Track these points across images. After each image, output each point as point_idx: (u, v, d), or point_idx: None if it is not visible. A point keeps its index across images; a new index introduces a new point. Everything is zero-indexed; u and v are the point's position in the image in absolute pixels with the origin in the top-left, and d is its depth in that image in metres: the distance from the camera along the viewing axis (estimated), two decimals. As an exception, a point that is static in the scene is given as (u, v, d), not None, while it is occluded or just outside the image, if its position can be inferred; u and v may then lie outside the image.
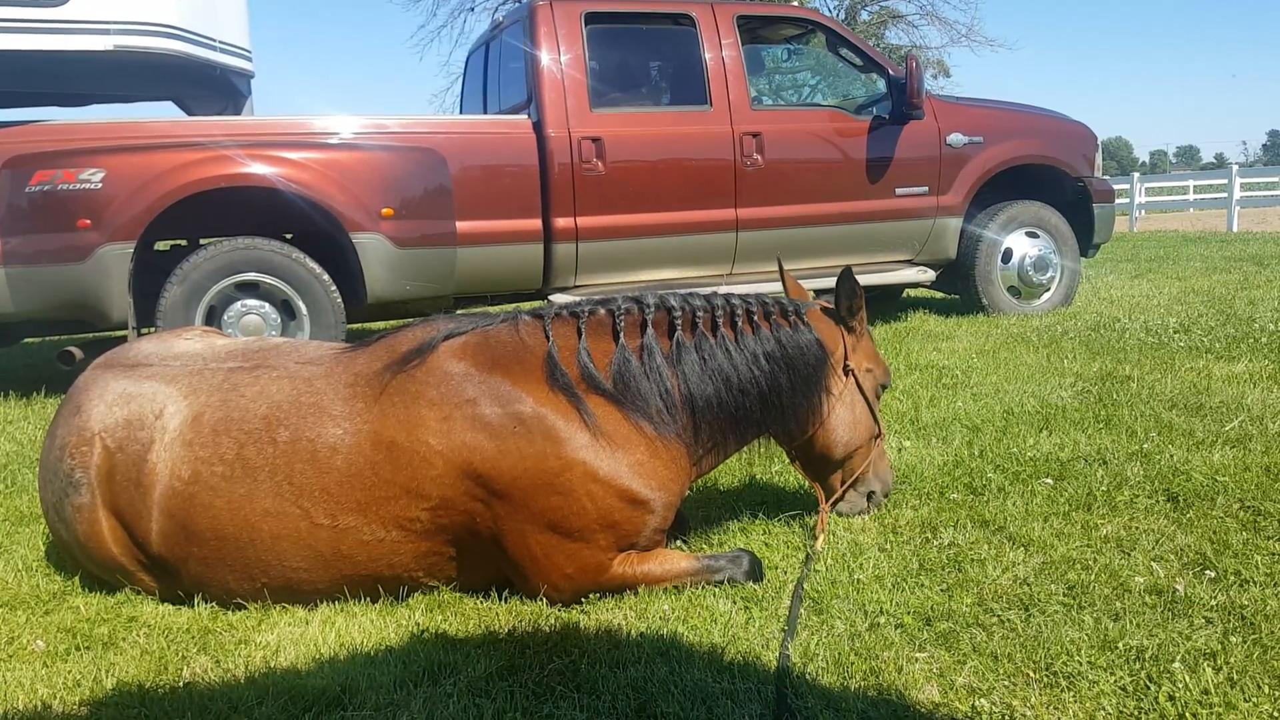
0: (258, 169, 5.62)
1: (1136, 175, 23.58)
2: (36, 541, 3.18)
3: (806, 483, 3.43)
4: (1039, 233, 7.60)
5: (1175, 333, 6.15)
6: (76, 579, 2.78)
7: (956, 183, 7.27)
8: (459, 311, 3.28)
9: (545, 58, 6.30)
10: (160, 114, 8.71)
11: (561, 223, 6.25)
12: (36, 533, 3.26)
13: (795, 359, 2.73)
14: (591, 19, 6.48)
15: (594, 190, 6.28)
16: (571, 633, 2.32)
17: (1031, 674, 2.05)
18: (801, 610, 2.40)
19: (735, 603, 2.47)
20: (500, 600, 2.56)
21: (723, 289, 2.90)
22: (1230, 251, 12.56)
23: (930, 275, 7.39)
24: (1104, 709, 1.91)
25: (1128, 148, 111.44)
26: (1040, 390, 4.70)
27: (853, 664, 2.12)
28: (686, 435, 2.60)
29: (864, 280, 6.81)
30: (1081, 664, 2.07)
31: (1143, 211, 23.21)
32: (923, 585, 2.52)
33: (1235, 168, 19.23)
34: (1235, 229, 17.88)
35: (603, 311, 2.69)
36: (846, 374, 2.92)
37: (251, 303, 5.71)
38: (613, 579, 2.52)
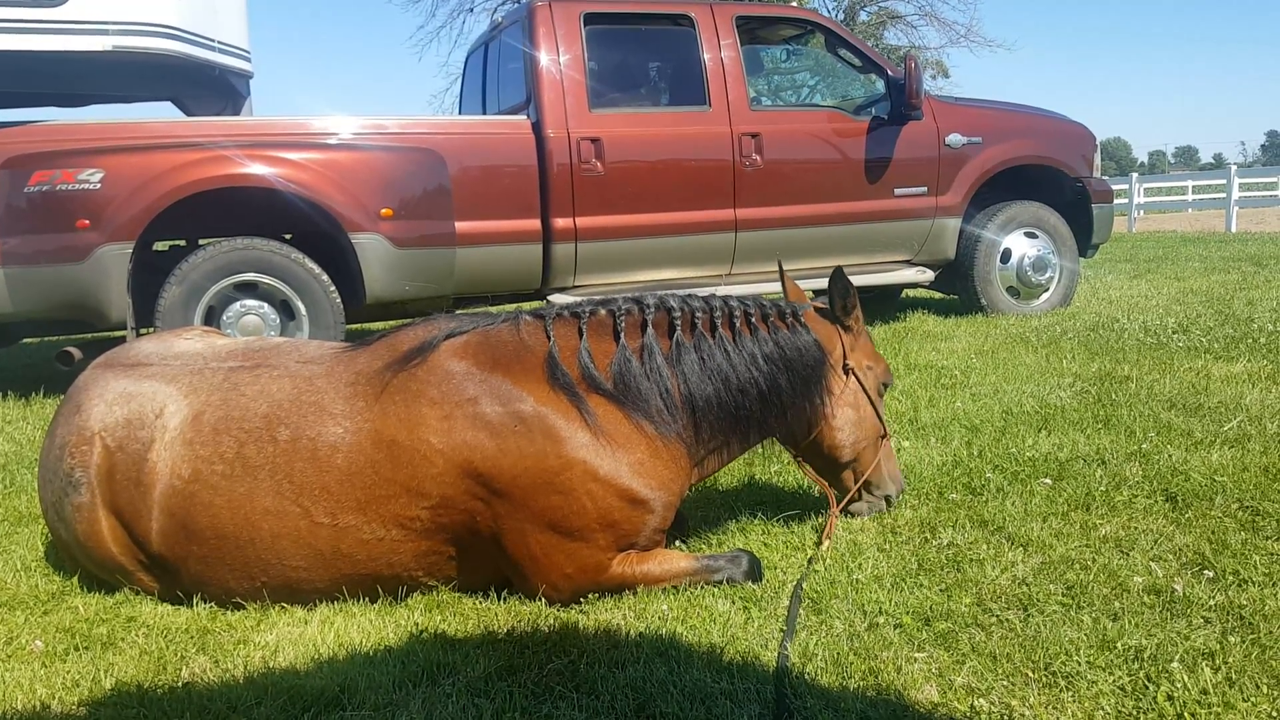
0: (257, 169, 5.62)
1: (1135, 175, 23.58)
2: (35, 541, 3.18)
3: (806, 483, 3.43)
4: (1038, 233, 7.60)
5: (1174, 333, 6.15)
6: (75, 579, 2.78)
7: (955, 183, 7.27)
8: (459, 312, 3.28)
9: (544, 58, 6.30)
10: (159, 114, 8.69)
11: (560, 223, 6.25)
12: (35, 532, 3.26)
13: (794, 359, 2.74)
14: (590, 19, 6.48)
15: (593, 191, 6.28)
16: (570, 633, 2.32)
17: (1030, 674, 2.05)
18: (800, 610, 2.40)
19: (734, 603, 2.47)
20: (499, 600, 2.56)
21: (721, 289, 2.91)
22: (1229, 252, 12.57)
23: (929, 275, 7.40)
24: (1103, 709, 1.91)
25: (1126, 148, 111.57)
26: (1039, 390, 4.70)
27: (852, 664, 2.12)
28: (687, 435, 2.60)
29: (863, 280, 6.93)
30: (1080, 664, 2.07)
31: (1141, 212, 23.22)
32: (922, 585, 2.52)
33: (1234, 168, 19.25)
34: (1234, 229, 17.90)
35: (603, 312, 2.70)
36: (847, 373, 2.92)
37: (250, 303, 5.71)
38: (612, 579, 2.52)
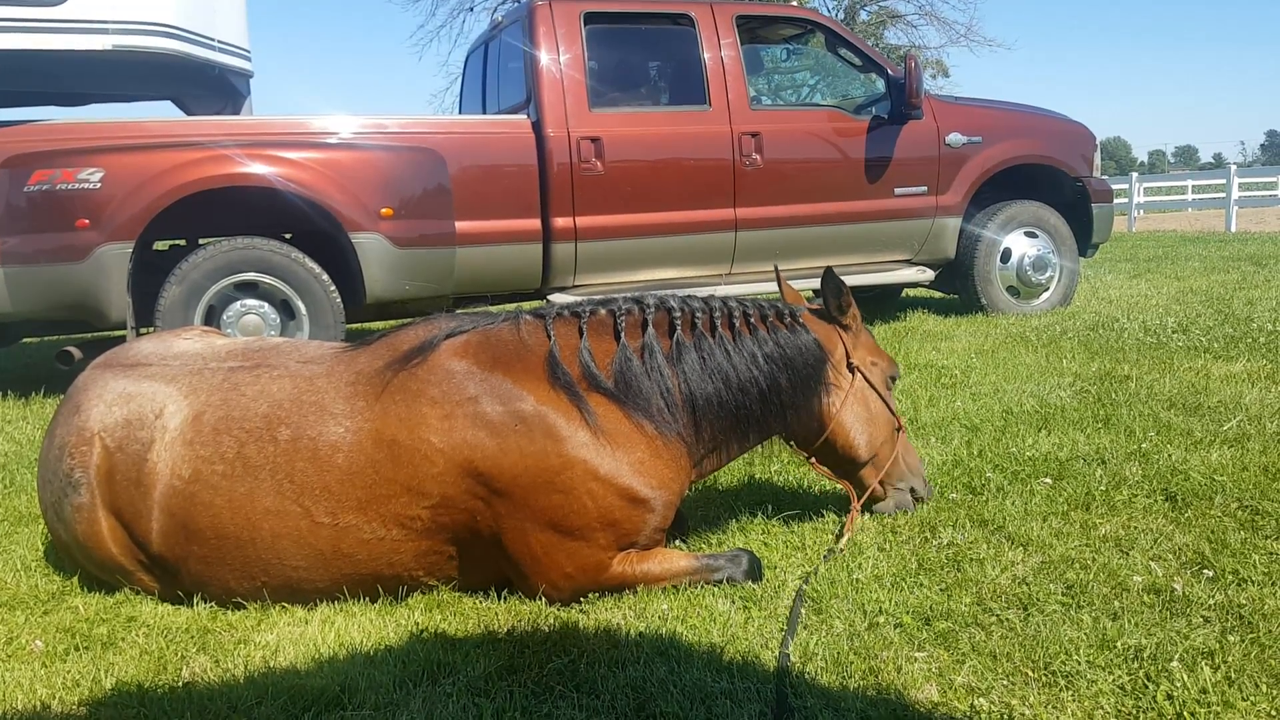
0: (257, 169, 5.62)
1: (1135, 175, 23.60)
2: (35, 541, 3.18)
3: (806, 482, 3.43)
4: (1038, 232, 7.60)
5: (1173, 332, 6.15)
6: (75, 579, 2.78)
7: (955, 182, 7.27)
8: (459, 311, 3.28)
9: (544, 58, 6.30)
10: (159, 113, 8.70)
11: (560, 222, 6.25)
12: (35, 533, 3.26)
13: (794, 358, 2.74)
14: (590, 19, 6.48)
15: (593, 190, 6.28)
16: (570, 632, 2.32)
17: (1030, 673, 2.05)
18: (801, 610, 2.41)
19: (734, 602, 2.47)
20: (499, 600, 2.56)
21: (720, 289, 2.92)
22: (1228, 251, 12.57)
23: (929, 275, 7.40)
24: (1102, 708, 1.92)
25: (1126, 148, 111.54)
26: (1039, 390, 4.70)
27: (852, 663, 2.12)
28: (688, 435, 2.60)
29: (863, 280, 6.94)
30: (1080, 663, 2.07)
31: (1141, 211, 23.23)
32: (922, 585, 2.52)
33: (1233, 168, 19.25)
34: (1233, 229, 17.90)
35: (604, 312, 2.70)
36: (852, 371, 2.92)
37: (251, 302, 5.71)
38: (612, 578, 2.52)
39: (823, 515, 3.09)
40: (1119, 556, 2.65)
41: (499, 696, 2.04)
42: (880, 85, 7.32)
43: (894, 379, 3.08)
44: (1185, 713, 1.88)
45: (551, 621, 2.40)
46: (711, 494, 3.42)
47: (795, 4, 18.29)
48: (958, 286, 7.73)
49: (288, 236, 6.10)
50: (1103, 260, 11.83)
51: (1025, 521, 2.93)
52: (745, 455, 2.91)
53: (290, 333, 5.75)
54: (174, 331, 3.09)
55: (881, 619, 2.33)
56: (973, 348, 6.02)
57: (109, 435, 2.59)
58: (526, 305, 2.93)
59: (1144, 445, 3.65)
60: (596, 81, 6.53)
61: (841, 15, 27.39)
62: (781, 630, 2.31)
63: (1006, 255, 7.54)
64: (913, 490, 3.06)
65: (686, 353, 2.62)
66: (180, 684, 2.17)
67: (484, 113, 7.56)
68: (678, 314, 2.68)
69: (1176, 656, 2.07)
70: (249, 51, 7.51)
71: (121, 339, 5.26)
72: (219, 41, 6.84)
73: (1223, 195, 19.35)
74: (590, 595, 2.52)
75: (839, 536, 2.87)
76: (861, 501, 2.99)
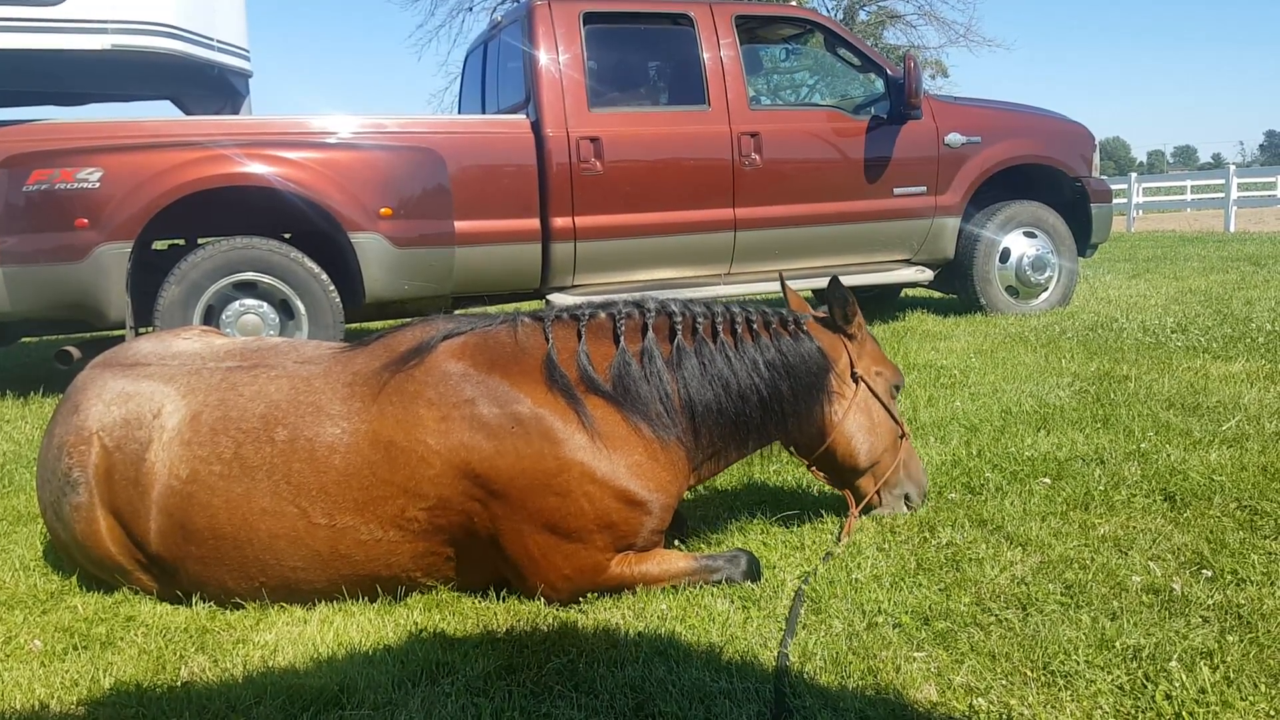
0: (256, 168, 5.62)
1: (1134, 175, 23.61)
2: (34, 541, 3.18)
3: (805, 482, 3.43)
4: (1037, 232, 7.61)
5: (1172, 332, 6.16)
6: (74, 578, 2.78)
7: (954, 182, 7.27)
8: (458, 312, 3.29)
9: (543, 57, 6.30)
10: (158, 113, 8.69)
11: (559, 222, 6.25)
12: (34, 532, 3.26)
13: (796, 367, 2.73)
14: (590, 19, 6.48)
15: (592, 190, 6.28)
16: (569, 632, 2.32)
17: (1029, 673, 2.05)
18: (800, 610, 2.40)
19: (733, 602, 2.47)
20: (498, 600, 2.56)
21: (720, 288, 2.91)
22: (1227, 251, 12.58)
23: (928, 275, 7.40)
24: (1101, 708, 1.91)
25: (1125, 148, 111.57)
26: (1038, 390, 4.70)
27: (851, 663, 2.12)
28: (687, 439, 2.59)
29: (862, 280, 6.94)
30: (1079, 663, 2.07)
31: (1140, 211, 23.24)
32: (921, 585, 2.52)
33: (1232, 168, 19.27)
34: (1232, 229, 17.91)
35: (603, 315, 2.69)
36: (856, 381, 2.91)
37: (250, 302, 5.71)
38: (610, 579, 2.52)
39: (821, 515, 3.09)
40: (1118, 556, 2.65)
41: (498, 696, 2.03)
42: (879, 85, 7.33)
43: (898, 388, 3.07)
44: (1184, 712, 1.88)
45: (550, 621, 2.40)
46: (710, 494, 3.42)
47: (794, 4, 18.29)
48: (957, 286, 7.73)
49: (287, 236, 6.10)
50: (1102, 260, 11.84)
51: (1024, 521, 2.93)
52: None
53: (289, 332, 5.75)
54: (173, 331, 3.09)
55: (880, 619, 2.33)
56: (972, 348, 6.02)
57: (107, 435, 2.58)
58: (525, 306, 2.92)
59: (1143, 445, 3.65)
60: (596, 81, 6.53)
61: (840, 15, 27.39)
62: (780, 630, 2.31)
63: (1005, 255, 7.54)
64: (906, 497, 3.06)
65: (686, 358, 2.62)
66: (179, 683, 2.17)
67: (483, 113, 7.56)
68: (678, 319, 2.67)
69: (1175, 656, 2.07)
70: (248, 51, 7.51)
71: (120, 339, 5.26)
72: (218, 41, 6.84)
73: (1221, 195, 19.36)
74: (589, 595, 2.52)
75: (838, 541, 2.86)
76: (861, 507, 2.98)
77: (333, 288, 5.85)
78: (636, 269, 6.57)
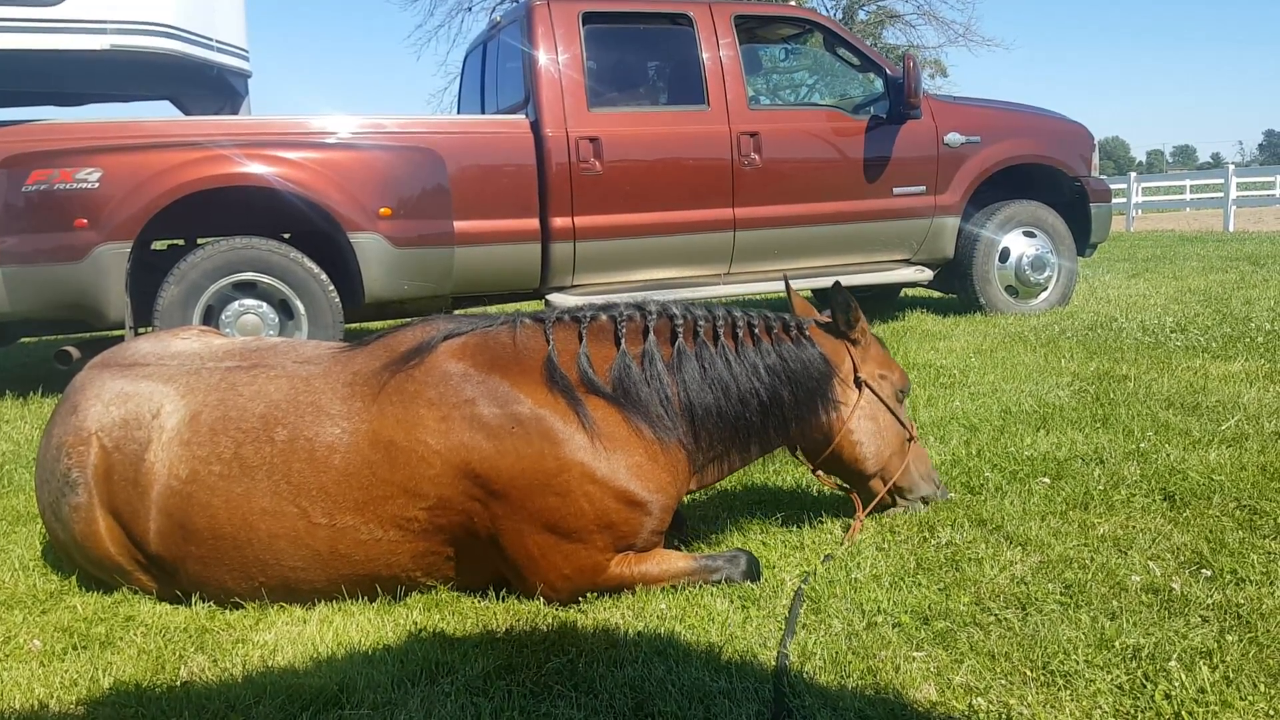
0: (255, 168, 5.62)
1: (1133, 175, 23.61)
2: (33, 541, 3.18)
3: (805, 482, 3.43)
4: (1036, 232, 7.61)
5: (1172, 332, 6.16)
6: (73, 578, 2.78)
7: (954, 182, 7.28)
8: (457, 312, 3.29)
9: (543, 57, 6.30)
10: (157, 113, 8.70)
11: (559, 222, 6.25)
12: (33, 532, 3.25)
13: (797, 372, 2.73)
14: (589, 19, 6.48)
15: (591, 190, 6.28)
16: (569, 632, 2.32)
17: (1028, 673, 2.05)
18: (800, 609, 2.40)
19: (733, 602, 2.47)
20: (498, 599, 2.56)
21: (720, 290, 2.90)
22: (1227, 251, 12.58)
23: (928, 275, 7.40)
24: (1100, 707, 1.92)
25: (1124, 147, 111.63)
26: (1037, 389, 4.71)
27: (850, 663, 2.12)
28: (687, 441, 2.59)
29: (861, 280, 6.94)
30: (1078, 663, 2.07)
31: (1139, 211, 23.24)
32: (920, 584, 2.52)
33: (1232, 168, 19.27)
34: (1232, 229, 17.92)
35: (604, 317, 2.69)
36: (859, 387, 2.91)
37: (249, 302, 5.71)
38: (610, 579, 2.52)
39: (821, 515, 3.09)
40: (1117, 556, 2.65)
41: (497, 696, 2.03)
42: (879, 85, 7.33)
43: (905, 392, 3.06)
44: (1183, 712, 1.88)
45: (550, 621, 2.40)
46: (711, 494, 3.42)
47: (794, 4, 18.29)
48: (956, 286, 7.73)
49: (286, 236, 6.10)
50: (1101, 260, 11.84)
51: (1024, 521, 2.93)
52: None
53: (289, 332, 5.75)
54: (172, 331, 3.09)
55: (880, 618, 2.33)
56: (971, 347, 6.02)
57: (106, 435, 2.58)
58: (525, 306, 2.92)
59: (1142, 445, 3.65)
60: (595, 81, 6.53)
61: (840, 15, 27.40)
62: (780, 630, 2.31)
63: (1005, 255, 7.54)
64: (923, 498, 3.07)
65: (687, 361, 2.61)
66: (178, 683, 2.17)
67: (482, 112, 7.56)
68: (680, 322, 2.67)
69: (1175, 656, 2.07)
70: (247, 51, 7.51)
71: (120, 339, 5.26)
72: (217, 41, 6.84)
73: (1221, 195, 19.37)
74: (588, 595, 2.52)
75: (842, 544, 2.86)
76: (868, 511, 2.98)
77: (332, 288, 5.85)
78: (636, 269, 6.57)
